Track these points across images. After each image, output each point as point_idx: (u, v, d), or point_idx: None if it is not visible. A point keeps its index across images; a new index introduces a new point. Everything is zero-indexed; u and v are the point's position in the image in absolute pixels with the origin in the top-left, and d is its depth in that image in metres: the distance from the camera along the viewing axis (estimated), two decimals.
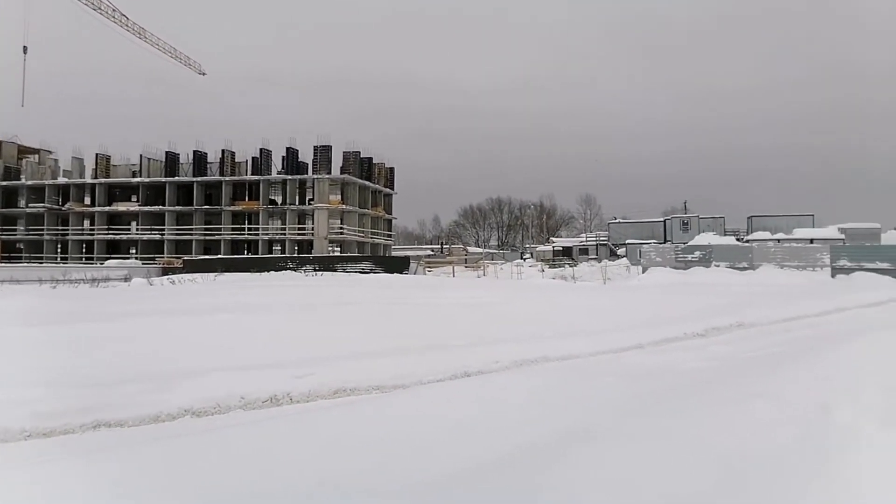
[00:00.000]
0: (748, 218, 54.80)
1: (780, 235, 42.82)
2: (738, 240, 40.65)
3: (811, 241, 38.05)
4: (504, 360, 8.00)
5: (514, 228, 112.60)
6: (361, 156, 57.12)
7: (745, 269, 28.74)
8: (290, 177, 54.76)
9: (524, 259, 65.40)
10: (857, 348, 5.64)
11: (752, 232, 48.18)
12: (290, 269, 42.16)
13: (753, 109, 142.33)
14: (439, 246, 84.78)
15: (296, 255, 49.98)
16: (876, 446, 3.13)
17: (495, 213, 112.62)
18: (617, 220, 66.32)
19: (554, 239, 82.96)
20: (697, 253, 30.97)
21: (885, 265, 25.72)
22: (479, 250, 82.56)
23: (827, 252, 28.10)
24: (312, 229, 53.99)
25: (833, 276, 26.57)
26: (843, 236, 41.08)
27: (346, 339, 9.08)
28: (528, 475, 2.95)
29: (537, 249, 77.49)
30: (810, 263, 28.09)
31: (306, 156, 56.01)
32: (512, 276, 37.12)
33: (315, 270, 41.05)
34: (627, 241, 55.59)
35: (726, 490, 2.65)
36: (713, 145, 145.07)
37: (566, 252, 67.47)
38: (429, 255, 68.20)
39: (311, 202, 54.75)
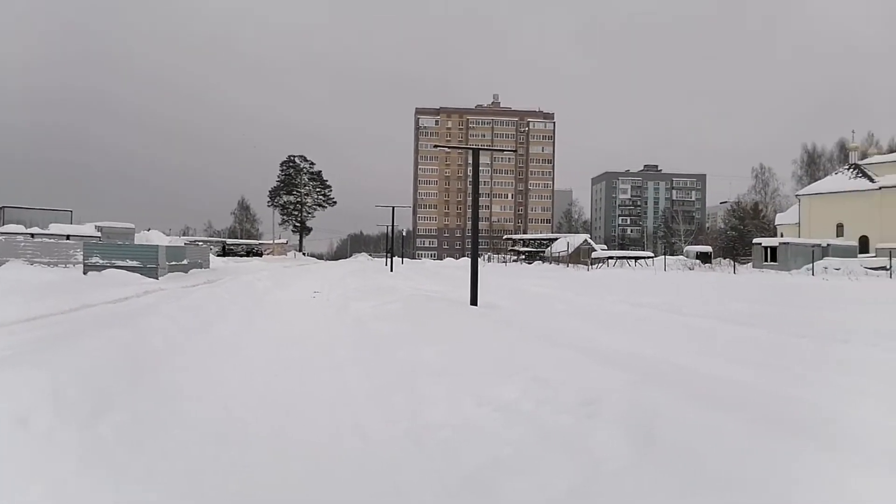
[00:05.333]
0: (0, 208, 49.04)
1: (35, 230, 40.14)
2: None
3: (68, 237, 37.24)
4: None
5: None
6: None
7: None
8: None
9: None
10: (80, 349, 5.58)
11: (4, 224, 43.32)
12: None
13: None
14: None
15: None
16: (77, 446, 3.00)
17: None
18: None
19: None
20: None
21: (135, 263, 27.70)
22: None
23: (81, 249, 28.11)
24: None
25: (86, 272, 26.75)
26: (100, 234, 42.10)
27: None
28: None
29: None
30: (64, 259, 27.44)
31: None
32: None
33: None
34: None
35: None
36: None
37: None
38: None
39: None
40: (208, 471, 3.77)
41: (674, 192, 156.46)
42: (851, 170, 62.02)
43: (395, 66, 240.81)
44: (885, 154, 69.62)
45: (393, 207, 39.17)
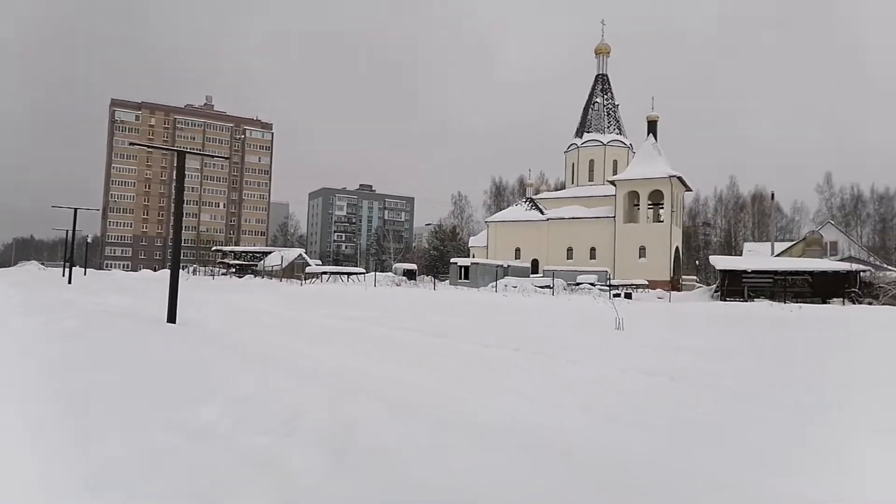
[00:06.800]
0: None
1: None
2: None
3: None
4: None
5: None
6: None
7: None
8: None
9: None
10: None
11: None
12: None
13: None
14: None
15: None
16: None
17: None
18: None
19: None
20: None
21: None
22: None
23: None
24: None
25: None
26: None
27: None
28: None
29: None
30: None
31: None
32: None
33: None
34: None
35: None
36: None
37: None
38: None
39: None
40: None
41: (386, 212, 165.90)
42: (527, 203, 73.71)
43: (89, 48, 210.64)
44: (552, 191, 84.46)
45: (76, 209, 33.49)
